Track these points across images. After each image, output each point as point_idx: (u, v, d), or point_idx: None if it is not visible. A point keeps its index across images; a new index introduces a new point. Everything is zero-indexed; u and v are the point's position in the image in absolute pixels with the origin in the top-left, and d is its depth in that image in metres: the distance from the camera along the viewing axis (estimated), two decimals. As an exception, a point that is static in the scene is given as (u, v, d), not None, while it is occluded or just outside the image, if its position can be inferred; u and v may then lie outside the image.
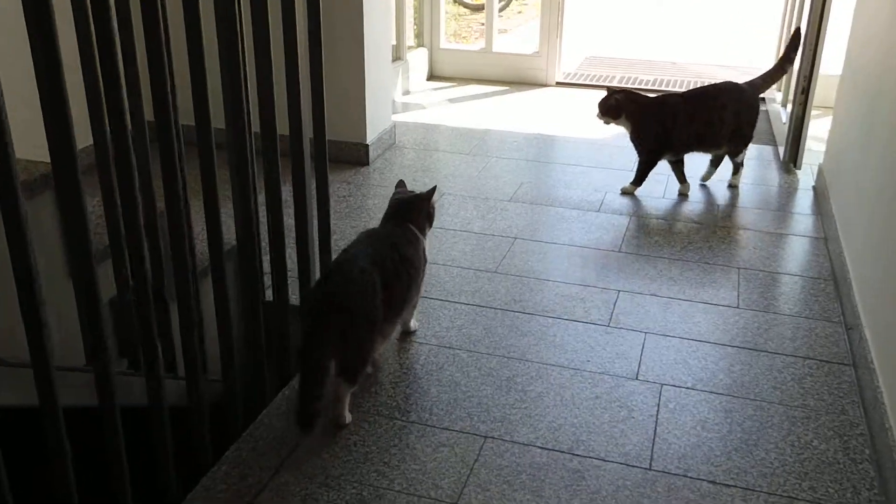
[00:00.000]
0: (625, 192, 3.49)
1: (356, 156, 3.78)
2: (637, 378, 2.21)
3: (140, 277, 1.73)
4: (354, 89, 3.68)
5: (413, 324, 2.41)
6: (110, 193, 1.82)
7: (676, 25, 8.07)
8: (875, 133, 2.62)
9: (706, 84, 3.74)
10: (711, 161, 3.60)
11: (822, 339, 2.41)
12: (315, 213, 2.36)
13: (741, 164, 3.55)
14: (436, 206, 2.35)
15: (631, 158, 3.74)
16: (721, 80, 3.60)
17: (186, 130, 1.97)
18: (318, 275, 2.44)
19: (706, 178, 3.62)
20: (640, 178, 3.50)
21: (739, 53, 6.39)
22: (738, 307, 2.59)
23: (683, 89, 5.05)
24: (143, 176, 1.91)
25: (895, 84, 2.43)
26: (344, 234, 3.06)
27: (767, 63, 5.10)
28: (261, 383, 2.24)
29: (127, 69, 1.84)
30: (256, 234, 2.17)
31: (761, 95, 3.62)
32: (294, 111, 2.17)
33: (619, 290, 2.68)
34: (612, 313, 2.54)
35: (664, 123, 3.41)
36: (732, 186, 3.57)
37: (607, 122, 3.47)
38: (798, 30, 3.59)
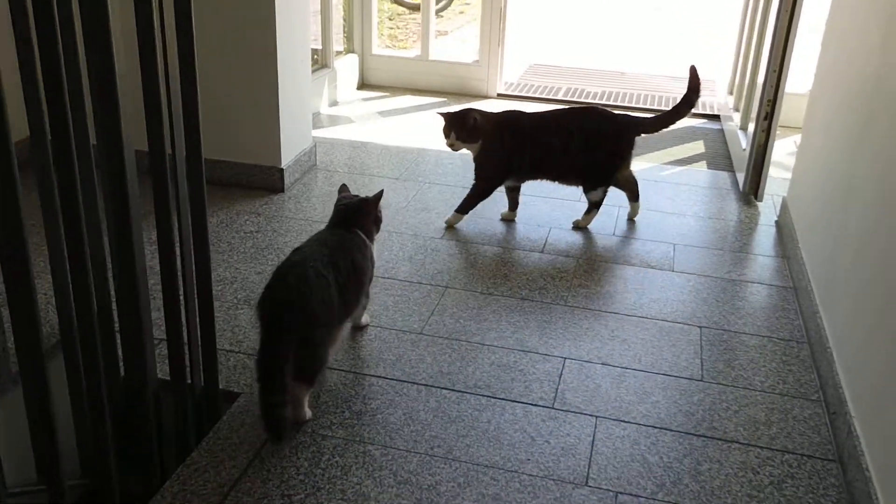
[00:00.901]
0: (450, 224, 3.07)
1: (269, 181, 3.31)
2: (587, 484, 1.81)
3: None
4: (265, 104, 3.21)
5: (365, 318, 2.37)
6: None
7: (627, 33, 7.76)
8: (863, 162, 2.26)
9: (571, 107, 3.29)
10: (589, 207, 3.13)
11: (800, 425, 2.05)
12: (192, 260, 1.91)
13: (596, 205, 3.10)
14: (382, 210, 2.28)
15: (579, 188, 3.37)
16: (588, 105, 3.20)
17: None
18: (199, 345, 1.99)
19: (581, 224, 3.13)
20: (467, 207, 3.08)
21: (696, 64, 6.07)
22: (702, 379, 2.22)
23: (636, 103, 4.72)
24: None
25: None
26: (247, 283, 2.60)
27: (724, 75, 4.80)
28: (110, 487, 1.78)
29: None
30: (103, 290, 1.71)
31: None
32: (154, 116, 1.68)
33: (564, 358, 2.29)
34: (557, 389, 2.14)
35: (507, 143, 2.99)
36: (578, 228, 3.12)
37: (458, 148, 3.01)
38: (693, 67, 3.09)
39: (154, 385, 1.85)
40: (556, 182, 3.14)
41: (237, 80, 3.18)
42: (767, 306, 2.64)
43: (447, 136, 2.97)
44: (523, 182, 3.14)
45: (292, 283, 1.86)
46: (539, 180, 3.12)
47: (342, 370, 2.18)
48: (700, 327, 2.48)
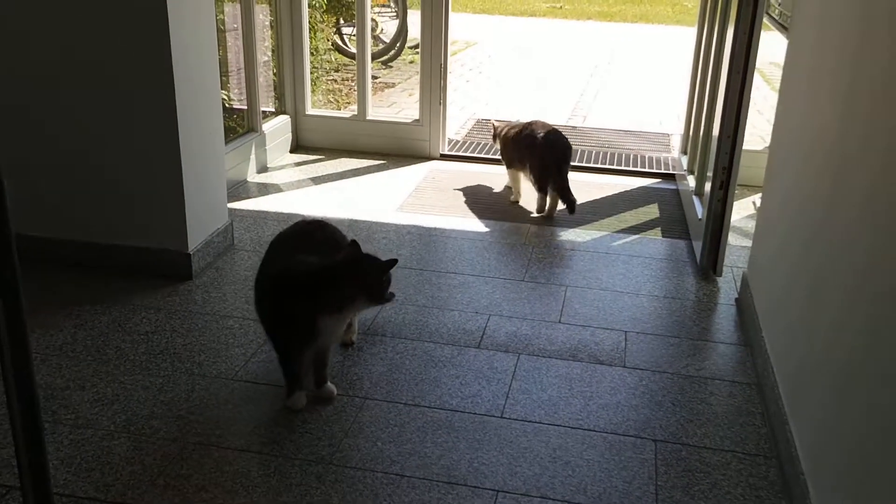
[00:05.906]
0: (293, 408, 2.24)
1: (174, 268, 2.95)
2: None
3: None
4: (166, 181, 2.84)
5: None
6: None
7: (579, 86, 7.56)
8: (835, 234, 1.97)
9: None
10: None
11: (773, 576, 1.73)
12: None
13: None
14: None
15: (522, 263, 3.08)
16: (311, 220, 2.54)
17: None
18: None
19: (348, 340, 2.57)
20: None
21: (648, 117, 5.86)
22: (656, 514, 1.90)
23: (589, 161, 4.39)
24: None
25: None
26: (131, 401, 2.22)
27: (679, 129, 4.56)
28: None
29: None
30: None
31: None
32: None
33: (497, 491, 1.95)
34: (485, 537, 1.80)
35: None
36: (347, 344, 2.55)
37: None
38: (354, 241, 2.25)
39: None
40: None
41: (133, 152, 2.83)
42: (730, 410, 2.33)
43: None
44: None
45: None
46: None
47: (229, 521, 1.82)
48: (655, 441, 2.16)
